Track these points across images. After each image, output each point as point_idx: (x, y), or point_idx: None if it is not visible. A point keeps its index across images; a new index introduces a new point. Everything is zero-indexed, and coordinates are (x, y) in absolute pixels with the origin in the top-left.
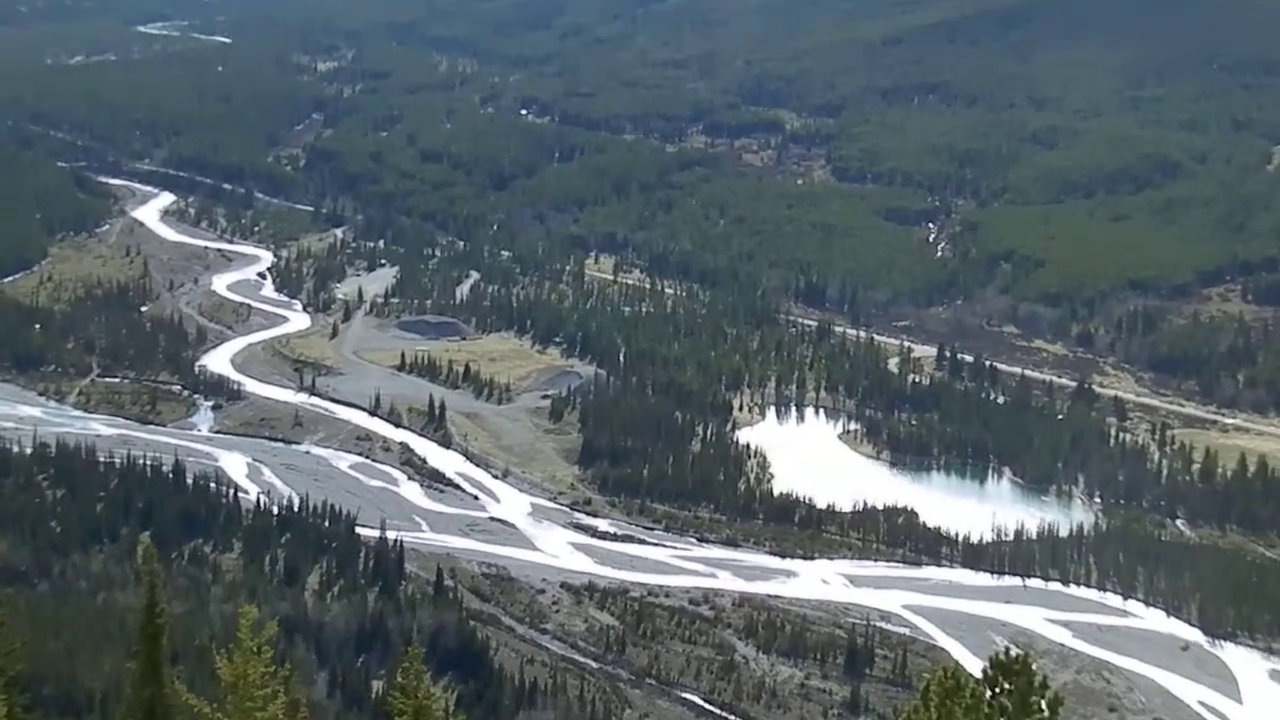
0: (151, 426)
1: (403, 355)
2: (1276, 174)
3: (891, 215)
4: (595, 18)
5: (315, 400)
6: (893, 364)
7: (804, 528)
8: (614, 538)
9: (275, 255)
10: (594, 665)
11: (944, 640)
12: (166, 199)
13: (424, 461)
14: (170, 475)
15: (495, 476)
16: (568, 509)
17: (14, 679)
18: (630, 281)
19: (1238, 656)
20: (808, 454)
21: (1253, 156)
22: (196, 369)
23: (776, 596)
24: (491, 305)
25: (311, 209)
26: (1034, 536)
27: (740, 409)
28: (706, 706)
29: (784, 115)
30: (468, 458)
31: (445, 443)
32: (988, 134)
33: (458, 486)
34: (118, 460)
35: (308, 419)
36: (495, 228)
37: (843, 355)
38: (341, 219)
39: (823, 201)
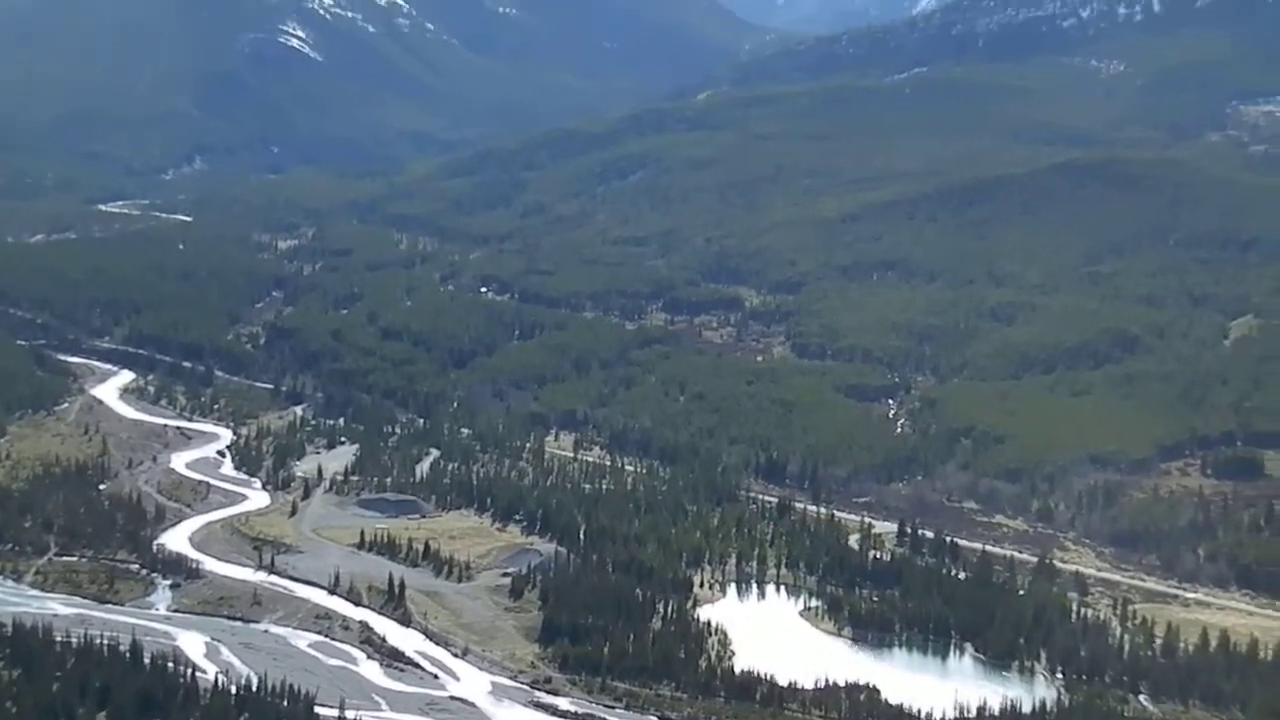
0: (109, 605)
1: (362, 533)
2: (1234, 349)
3: (851, 391)
4: (555, 196)
5: (274, 579)
6: (853, 540)
7: (765, 705)
8: (575, 716)
9: (235, 433)
10: None
11: None
12: (126, 377)
13: (383, 640)
14: (128, 655)
15: (455, 655)
16: (528, 687)
17: None
18: (590, 459)
19: None
20: (769, 631)
21: (1210, 331)
22: (155, 547)
23: None
24: (451, 483)
25: (271, 386)
26: (997, 713)
27: (701, 586)
28: None
29: (744, 292)
30: (427, 636)
31: (405, 621)
32: (947, 310)
33: (417, 665)
34: (75, 640)
35: (267, 597)
36: (455, 405)
37: (803, 532)
38: (301, 396)
39: (783, 378)
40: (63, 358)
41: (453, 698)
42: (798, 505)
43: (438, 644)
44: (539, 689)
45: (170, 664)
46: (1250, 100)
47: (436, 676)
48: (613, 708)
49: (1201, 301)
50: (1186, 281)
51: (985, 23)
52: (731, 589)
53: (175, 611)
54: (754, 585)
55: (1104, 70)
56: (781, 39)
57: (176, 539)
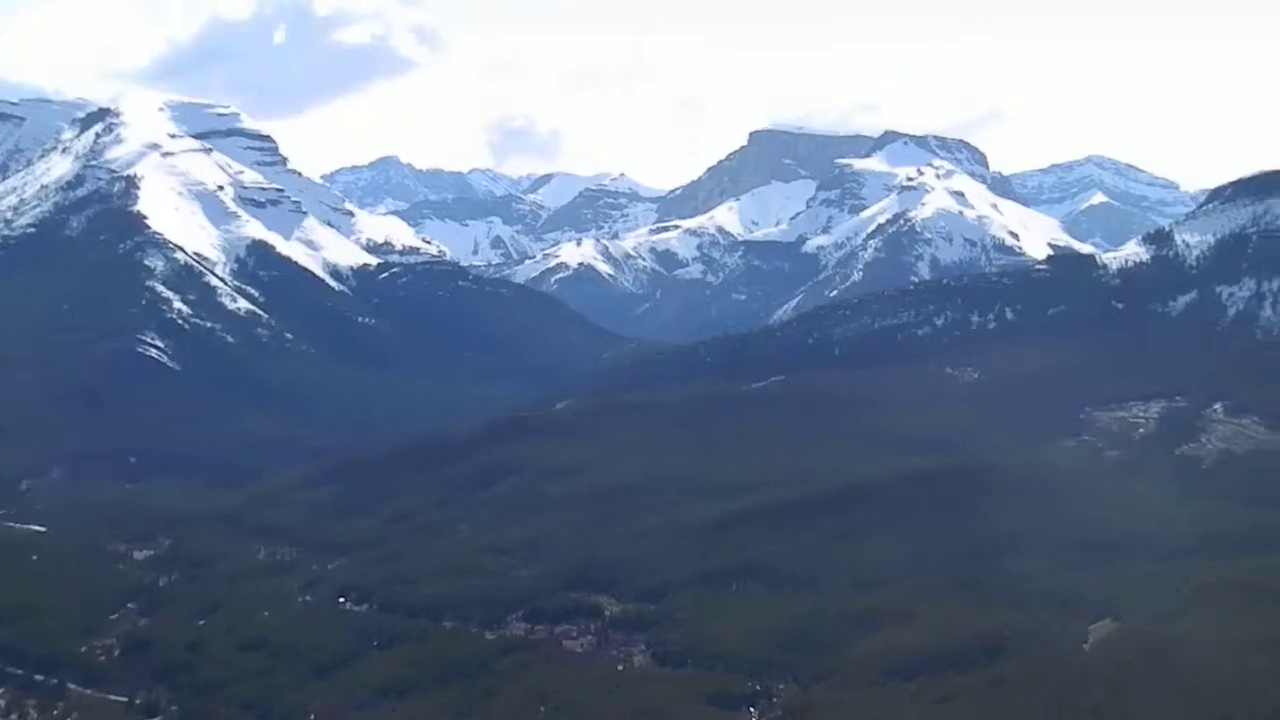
0: None
1: None
2: (1092, 652)
3: (714, 699)
4: (419, 504)
5: None
6: None
7: None
8: None
9: None
10: None
11: None
12: None
13: None
14: None
15: None
16: None
17: None
18: None
19: None
20: None
21: (1074, 635)
22: None
23: None
24: None
25: (126, 699)
26: None
27: None
28: None
29: (604, 600)
30: None
31: None
32: (811, 617)
33: None
34: None
35: None
36: (313, 718)
37: None
38: (157, 709)
39: (644, 686)
40: None
41: None
42: None
43: None
44: None
45: None
46: (1103, 406)
47: None
48: None
49: (1068, 603)
50: (1054, 585)
51: (841, 331)
52: None
53: None
54: None
55: (959, 377)
56: (641, 347)
57: None
